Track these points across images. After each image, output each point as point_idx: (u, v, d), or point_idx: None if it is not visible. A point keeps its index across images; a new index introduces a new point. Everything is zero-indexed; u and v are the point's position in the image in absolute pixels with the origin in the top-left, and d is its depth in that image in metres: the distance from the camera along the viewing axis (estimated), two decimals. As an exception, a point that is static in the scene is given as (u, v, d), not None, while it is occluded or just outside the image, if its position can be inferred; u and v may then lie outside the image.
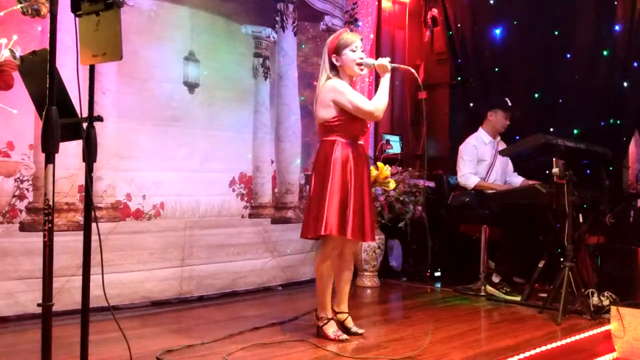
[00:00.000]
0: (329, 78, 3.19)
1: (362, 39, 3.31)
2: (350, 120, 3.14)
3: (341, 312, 3.34)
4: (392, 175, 4.91)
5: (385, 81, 3.17)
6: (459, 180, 4.84)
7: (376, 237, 3.40)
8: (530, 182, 4.74)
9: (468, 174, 4.77)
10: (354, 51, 3.18)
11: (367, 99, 3.17)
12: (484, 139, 4.89)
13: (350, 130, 3.17)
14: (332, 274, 3.26)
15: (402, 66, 3.25)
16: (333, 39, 3.23)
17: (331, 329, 3.20)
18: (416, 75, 3.22)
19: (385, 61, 3.16)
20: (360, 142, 3.26)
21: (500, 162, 4.90)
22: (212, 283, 4.37)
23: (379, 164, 3.14)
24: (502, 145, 4.90)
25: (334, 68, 3.21)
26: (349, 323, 3.33)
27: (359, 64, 3.18)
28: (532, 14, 5.11)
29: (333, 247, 3.20)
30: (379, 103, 3.13)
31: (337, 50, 3.19)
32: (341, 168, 3.11)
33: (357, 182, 3.13)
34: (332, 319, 3.25)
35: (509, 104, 4.84)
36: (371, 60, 3.21)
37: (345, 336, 3.19)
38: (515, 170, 5.02)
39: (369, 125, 3.35)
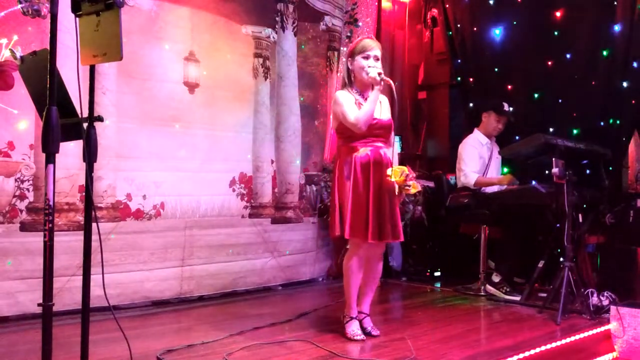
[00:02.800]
0: (343, 84, 3.32)
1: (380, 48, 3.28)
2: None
3: (360, 312, 3.39)
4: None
5: (373, 93, 3.17)
6: (460, 180, 4.84)
7: (382, 238, 3.34)
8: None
9: (468, 172, 4.78)
10: (365, 58, 3.21)
11: (354, 111, 3.17)
12: (480, 140, 4.91)
13: (355, 136, 3.21)
14: (356, 274, 3.29)
15: (385, 78, 3.17)
16: (353, 43, 3.33)
17: (350, 328, 3.26)
18: (393, 88, 3.17)
19: (374, 73, 3.16)
20: (375, 144, 3.24)
21: (495, 162, 4.93)
22: (213, 283, 4.37)
23: (392, 169, 3.10)
24: (495, 147, 4.93)
25: (348, 72, 3.30)
26: (365, 323, 3.36)
27: (366, 72, 3.19)
28: (532, 14, 5.11)
29: (356, 246, 3.25)
30: (360, 114, 3.14)
31: (352, 54, 3.26)
32: (349, 172, 3.18)
33: (364, 185, 3.17)
34: (354, 317, 3.30)
35: (505, 108, 4.84)
36: (371, 70, 3.18)
37: (361, 337, 3.22)
38: (515, 170, 5.02)
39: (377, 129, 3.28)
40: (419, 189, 3.25)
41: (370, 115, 3.16)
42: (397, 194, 3.23)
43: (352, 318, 3.30)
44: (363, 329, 3.33)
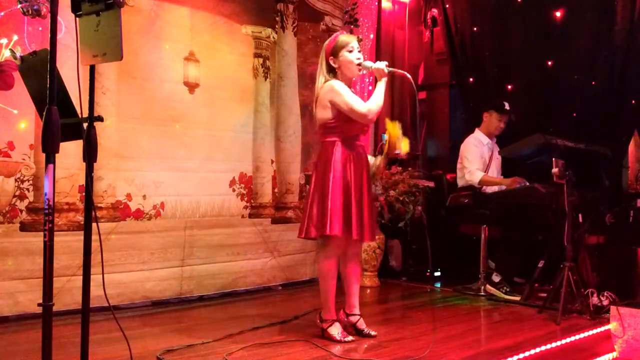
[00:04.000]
0: (326, 81, 3.20)
1: (360, 40, 3.30)
2: (348, 121, 3.14)
3: (352, 315, 3.35)
4: (392, 175, 4.92)
5: (381, 85, 3.18)
6: (464, 178, 4.84)
7: (376, 237, 3.36)
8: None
9: (474, 170, 4.78)
10: (350, 51, 3.18)
11: (362, 101, 3.15)
12: (481, 140, 4.92)
13: (349, 131, 3.18)
14: (335, 275, 3.26)
15: (398, 71, 3.24)
16: (330, 42, 3.24)
17: (336, 331, 3.20)
18: (411, 80, 3.20)
19: (382, 65, 3.17)
20: (360, 142, 3.27)
21: (496, 162, 4.93)
22: (213, 283, 4.37)
23: (385, 139, 3.20)
24: (496, 147, 4.93)
25: (331, 70, 3.22)
26: (361, 325, 3.33)
27: (358, 65, 3.19)
28: (532, 14, 5.11)
29: (336, 247, 3.21)
30: (372, 105, 3.12)
31: (334, 52, 3.20)
32: (342, 168, 3.13)
33: (356, 182, 3.15)
34: (336, 320, 3.26)
35: (506, 107, 4.85)
36: (369, 63, 3.20)
37: (350, 337, 3.19)
38: (515, 170, 5.02)
39: (368, 126, 3.33)
40: (408, 149, 3.26)
41: (380, 107, 3.15)
42: (380, 165, 3.23)
43: (334, 321, 3.24)
44: (359, 330, 3.30)
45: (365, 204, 3.16)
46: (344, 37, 3.25)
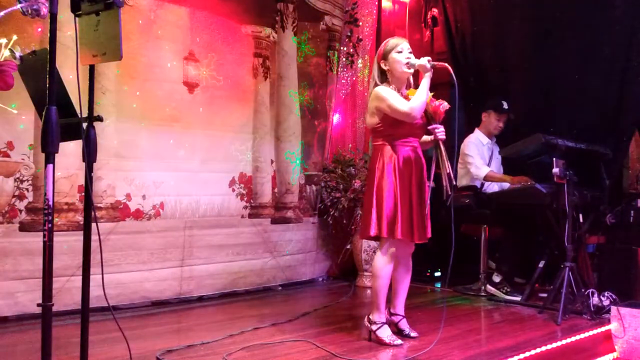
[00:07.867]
0: (376, 85, 3.26)
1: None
2: (394, 124, 3.17)
3: (395, 314, 3.37)
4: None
5: (425, 81, 3.17)
6: (471, 171, 4.80)
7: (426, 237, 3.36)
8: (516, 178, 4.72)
9: (479, 164, 4.77)
10: (400, 52, 3.21)
11: (405, 102, 3.15)
12: (481, 140, 4.91)
13: (397, 133, 3.20)
14: (389, 276, 3.25)
15: (438, 63, 3.22)
16: (381, 46, 3.31)
17: (386, 333, 3.19)
18: (451, 71, 3.18)
19: (424, 61, 3.18)
20: (413, 143, 3.26)
21: (496, 162, 4.93)
22: (212, 283, 4.37)
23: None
24: (496, 147, 4.92)
25: (383, 73, 3.27)
26: (402, 325, 3.34)
27: (407, 64, 3.20)
28: (532, 14, 5.11)
29: (389, 247, 3.22)
30: (414, 103, 3.12)
31: (385, 55, 3.25)
32: (390, 171, 3.16)
33: (403, 183, 3.17)
34: (386, 322, 3.25)
35: (505, 107, 4.84)
36: (415, 61, 3.20)
37: (399, 341, 3.17)
38: (514, 170, 5.01)
39: (419, 127, 3.31)
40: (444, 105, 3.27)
41: (424, 104, 3.15)
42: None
43: (383, 323, 3.23)
44: (400, 331, 3.31)
45: (414, 204, 3.18)
46: (393, 40, 3.30)
